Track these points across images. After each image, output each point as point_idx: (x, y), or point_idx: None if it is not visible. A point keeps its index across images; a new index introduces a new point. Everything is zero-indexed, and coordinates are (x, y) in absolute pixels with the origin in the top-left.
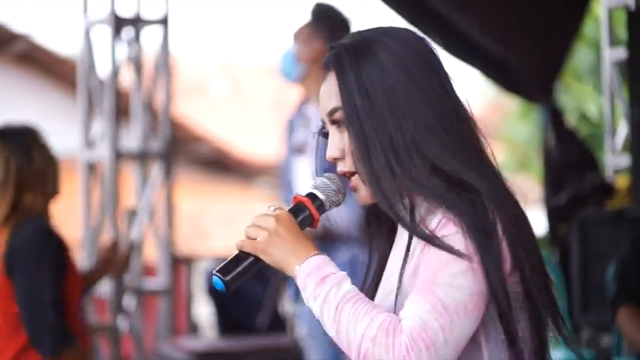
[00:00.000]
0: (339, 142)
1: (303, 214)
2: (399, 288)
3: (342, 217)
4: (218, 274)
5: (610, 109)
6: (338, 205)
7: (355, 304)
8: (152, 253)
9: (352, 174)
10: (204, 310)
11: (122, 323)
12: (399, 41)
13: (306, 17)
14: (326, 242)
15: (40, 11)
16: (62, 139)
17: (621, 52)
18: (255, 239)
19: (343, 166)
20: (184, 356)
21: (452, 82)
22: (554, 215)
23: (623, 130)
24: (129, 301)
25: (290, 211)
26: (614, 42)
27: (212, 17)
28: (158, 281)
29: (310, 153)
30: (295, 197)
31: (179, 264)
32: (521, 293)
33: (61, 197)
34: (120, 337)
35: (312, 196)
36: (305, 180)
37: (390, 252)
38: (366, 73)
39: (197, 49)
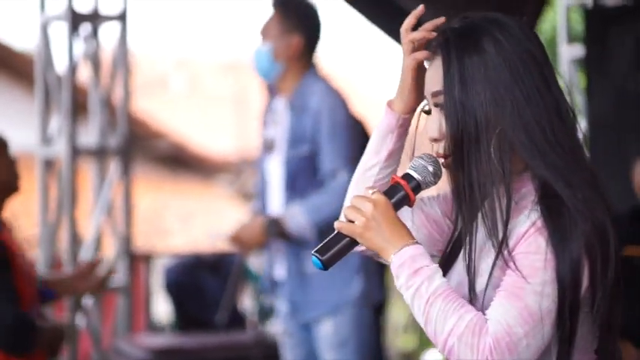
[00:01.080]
0: (439, 124)
1: (400, 194)
2: (489, 280)
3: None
4: (316, 253)
5: None
6: (433, 185)
7: (445, 300)
8: (110, 250)
9: (447, 157)
10: (162, 308)
11: (80, 320)
12: (508, 33)
13: (268, 11)
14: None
15: None
16: (19, 135)
17: (578, 49)
18: (353, 222)
19: (440, 148)
20: (142, 353)
21: (555, 75)
22: None
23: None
24: (87, 299)
25: (386, 192)
26: (570, 39)
27: (170, 13)
28: (116, 278)
29: (279, 150)
30: (392, 178)
31: (137, 261)
32: (589, 303)
33: (18, 194)
34: (78, 335)
35: (408, 177)
36: (276, 176)
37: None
38: (470, 65)
39: (155, 45)
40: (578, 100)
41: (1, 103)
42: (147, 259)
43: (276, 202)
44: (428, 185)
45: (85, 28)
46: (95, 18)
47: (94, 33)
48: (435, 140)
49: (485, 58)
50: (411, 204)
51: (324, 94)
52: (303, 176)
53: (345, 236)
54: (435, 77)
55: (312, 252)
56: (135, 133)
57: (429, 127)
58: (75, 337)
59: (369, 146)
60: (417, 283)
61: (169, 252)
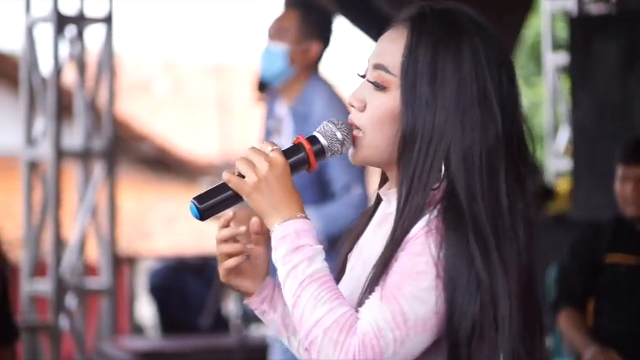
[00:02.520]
0: (365, 96)
1: (299, 156)
2: (367, 282)
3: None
4: (195, 201)
5: (552, 113)
6: (339, 154)
7: (320, 287)
8: (94, 252)
9: (361, 131)
10: (146, 310)
11: (63, 322)
12: (487, 42)
13: (279, 9)
14: None
15: None
16: (3, 137)
17: (562, 57)
18: (243, 178)
19: (357, 119)
20: (126, 356)
21: (519, 97)
22: None
23: (564, 134)
24: (70, 301)
25: (286, 151)
26: (555, 46)
27: (155, 16)
28: (100, 281)
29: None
30: (297, 138)
31: (121, 263)
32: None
33: (3, 195)
34: (61, 337)
35: (313, 140)
36: None
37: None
38: (443, 61)
39: (140, 48)
40: (562, 107)
41: None
42: (131, 261)
43: None
44: (334, 153)
45: (71, 30)
46: (80, 20)
47: (80, 35)
48: (353, 107)
49: (458, 60)
50: (310, 169)
51: (327, 102)
52: (311, 189)
53: (231, 189)
54: (390, 51)
55: (192, 198)
56: (118, 136)
57: (354, 93)
58: (58, 339)
59: None
60: (294, 261)
61: (153, 255)
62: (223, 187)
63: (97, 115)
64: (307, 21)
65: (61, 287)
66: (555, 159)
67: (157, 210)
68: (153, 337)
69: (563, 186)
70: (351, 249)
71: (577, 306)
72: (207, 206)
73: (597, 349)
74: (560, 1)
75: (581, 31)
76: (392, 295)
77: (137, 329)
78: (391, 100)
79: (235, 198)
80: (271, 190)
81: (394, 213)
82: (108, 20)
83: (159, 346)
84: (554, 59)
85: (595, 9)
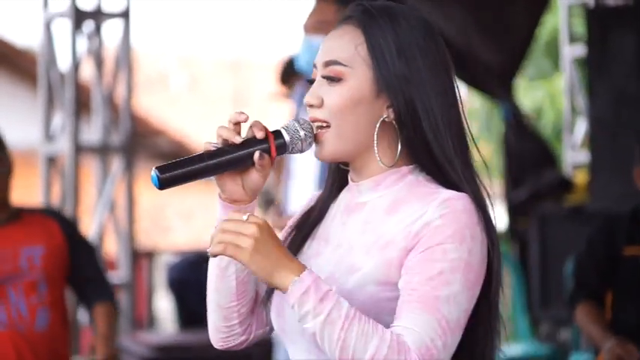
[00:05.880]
0: (321, 93)
1: (262, 145)
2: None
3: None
4: (157, 171)
5: (569, 105)
6: (300, 152)
7: (359, 323)
8: (112, 247)
9: (326, 125)
10: (164, 304)
11: (82, 317)
12: (424, 22)
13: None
14: None
15: (0, 3)
16: (22, 132)
17: (579, 49)
18: (238, 245)
19: (319, 114)
20: (144, 350)
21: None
22: (514, 210)
23: (582, 126)
24: None
25: (247, 141)
26: (572, 39)
27: (172, 11)
28: (119, 275)
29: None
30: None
31: (140, 258)
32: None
33: (22, 190)
34: (80, 330)
35: (277, 134)
36: (296, 201)
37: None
38: (402, 39)
39: (157, 43)
40: (579, 100)
41: (4, 100)
42: (149, 255)
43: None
44: (293, 151)
45: (88, 25)
46: (98, 15)
47: (97, 30)
48: (311, 106)
49: (415, 36)
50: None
51: None
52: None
53: (204, 162)
54: (334, 47)
55: (154, 168)
56: (136, 131)
57: (310, 93)
58: (77, 333)
59: None
60: (326, 309)
61: (171, 249)
62: (195, 159)
63: (115, 110)
64: (343, 7)
65: None
66: (573, 151)
67: (174, 204)
68: (171, 331)
69: (580, 178)
70: (307, 233)
71: (594, 299)
72: (169, 177)
73: (615, 343)
74: None
75: (598, 23)
76: (432, 304)
77: (155, 323)
78: (348, 89)
79: (205, 172)
80: (269, 249)
81: (367, 202)
82: (125, 15)
83: (177, 340)
84: (572, 52)
85: (612, 1)
